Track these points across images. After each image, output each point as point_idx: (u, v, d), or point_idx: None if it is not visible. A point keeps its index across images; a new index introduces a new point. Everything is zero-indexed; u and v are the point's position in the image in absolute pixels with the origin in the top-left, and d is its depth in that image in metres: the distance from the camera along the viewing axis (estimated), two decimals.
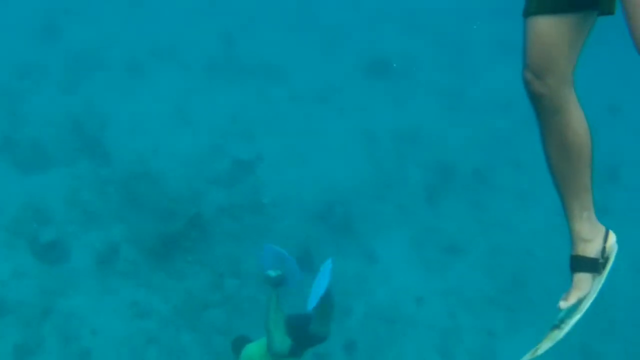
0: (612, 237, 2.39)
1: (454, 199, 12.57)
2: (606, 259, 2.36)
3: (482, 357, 10.25)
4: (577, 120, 2.11)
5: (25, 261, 9.91)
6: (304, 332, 6.84)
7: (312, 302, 6.59)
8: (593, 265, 2.35)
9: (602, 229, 2.37)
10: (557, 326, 2.45)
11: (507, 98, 14.22)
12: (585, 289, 2.37)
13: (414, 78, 14.97)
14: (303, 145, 12.77)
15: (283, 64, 14.58)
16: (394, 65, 15.12)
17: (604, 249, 2.35)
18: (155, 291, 10.08)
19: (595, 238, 2.33)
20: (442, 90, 14.71)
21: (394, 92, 14.51)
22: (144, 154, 11.72)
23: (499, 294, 11.20)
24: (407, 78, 14.96)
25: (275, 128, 12.97)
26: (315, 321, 6.82)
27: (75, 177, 11.08)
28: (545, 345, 2.47)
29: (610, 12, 1.94)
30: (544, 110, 2.09)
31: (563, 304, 2.37)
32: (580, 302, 2.39)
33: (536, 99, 2.08)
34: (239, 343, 7.27)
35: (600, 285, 2.40)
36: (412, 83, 14.84)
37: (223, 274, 10.51)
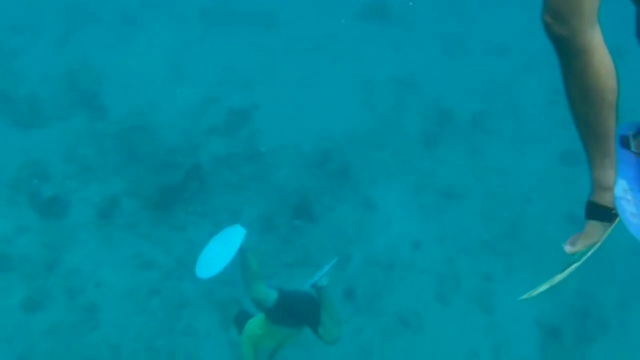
0: None
1: (452, 145, 12.59)
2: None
3: (479, 301, 10.41)
4: (601, 62, 1.99)
5: (27, 217, 9.99)
6: (293, 303, 7.11)
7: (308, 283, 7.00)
8: (606, 215, 2.32)
9: None
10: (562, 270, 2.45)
11: (506, 44, 14.14)
12: (594, 237, 2.35)
13: (411, 23, 14.80)
14: (300, 93, 12.72)
15: (277, 11, 14.40)
16: (410, 3, 14.89)
17: None
18: (157, 243, 10.18)
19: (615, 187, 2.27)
20: (440, 36, 14.57)
21: (391, 38, 14.37)
22: (140, 107, 11.68)
23: (496, 239, 11.31)
24: (405, 23, 14.80)
25: (271, 76, 12.90)
26: (322, 324, 7.09)
27: (72, 132, 11.06)
28: (543, 287, 2.49)
29: None
30: (566, 52, 1.97)
31: (568, 248, 2.37)
32: (588, 249, 2.38)
33: (558, 42, 1.96)
34: (242, 318, 7.48)
35: (607, 234, 2.37)
36: (409, 28, 14.68)
37: (223, 224, 10.57)
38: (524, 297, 2.63)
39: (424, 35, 14.55)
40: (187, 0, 14.06)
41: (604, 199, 2.29)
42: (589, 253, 2.40)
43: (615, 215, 2.32)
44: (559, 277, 2.47)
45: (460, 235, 11.29)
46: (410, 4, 14.93)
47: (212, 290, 9.68)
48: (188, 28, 13.61)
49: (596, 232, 2.35)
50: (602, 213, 2.31)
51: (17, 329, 9.03)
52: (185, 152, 11.19)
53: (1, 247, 9.71)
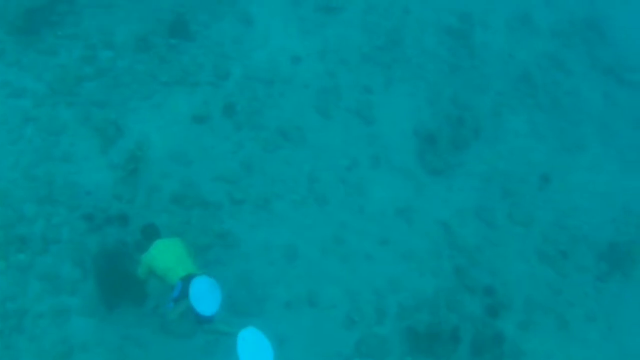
0: None
1: None
2: None
3: (360, 112, 10.59)
4: None
5: None
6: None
7: None
8: None
9: None
10: None
11: None
12: None
13: None
14: None
15: None
16: None
17: None
18: (27, 70, 9.77)
19: None
20: None
21: None
22: None
23: (376, 51, 11.38)
24: None
25: None
26: None
27: None
28: None
29: None
30: None
31: None
32: None
33: None
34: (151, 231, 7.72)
35: None
36: None
37: (96, 46, 10.23)
38: None
39: None
40: None
41: None
42: None
43: None
44: None
45: (341, 48, 11.31)
46: None
47: (89, 114, 9.46)
48: None
49: None
50: None
51: None
52: None
53: None
